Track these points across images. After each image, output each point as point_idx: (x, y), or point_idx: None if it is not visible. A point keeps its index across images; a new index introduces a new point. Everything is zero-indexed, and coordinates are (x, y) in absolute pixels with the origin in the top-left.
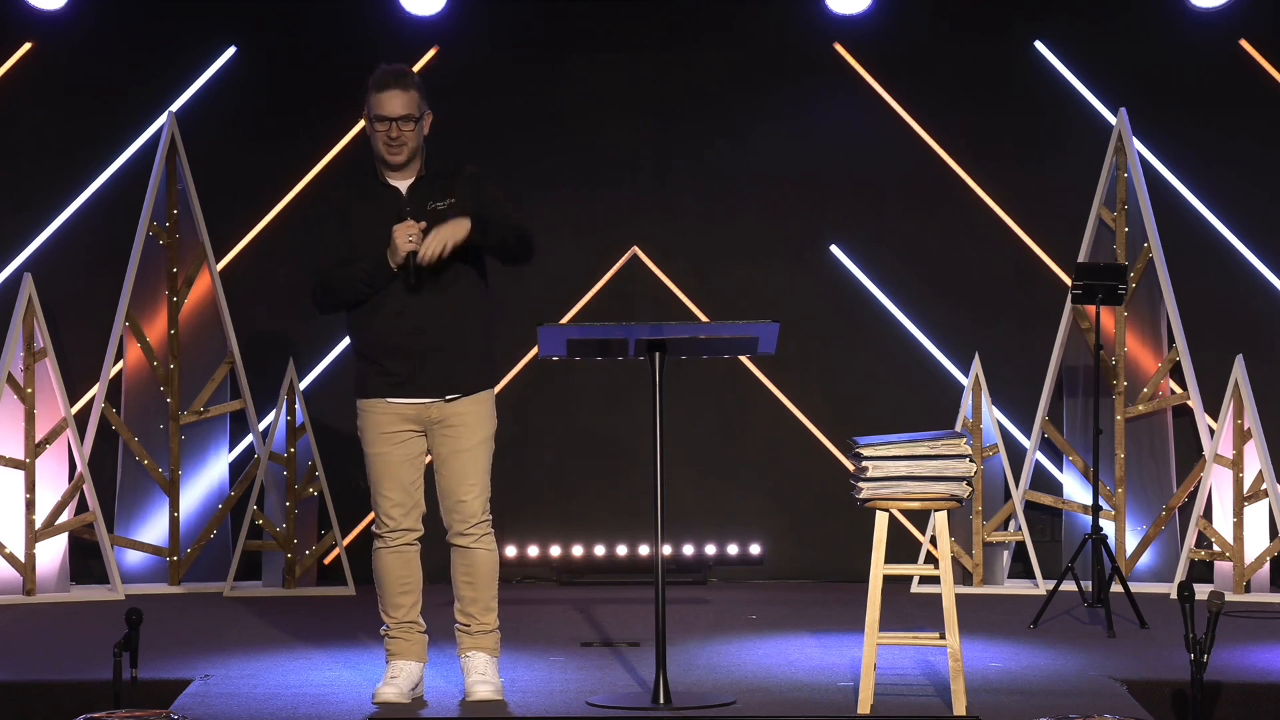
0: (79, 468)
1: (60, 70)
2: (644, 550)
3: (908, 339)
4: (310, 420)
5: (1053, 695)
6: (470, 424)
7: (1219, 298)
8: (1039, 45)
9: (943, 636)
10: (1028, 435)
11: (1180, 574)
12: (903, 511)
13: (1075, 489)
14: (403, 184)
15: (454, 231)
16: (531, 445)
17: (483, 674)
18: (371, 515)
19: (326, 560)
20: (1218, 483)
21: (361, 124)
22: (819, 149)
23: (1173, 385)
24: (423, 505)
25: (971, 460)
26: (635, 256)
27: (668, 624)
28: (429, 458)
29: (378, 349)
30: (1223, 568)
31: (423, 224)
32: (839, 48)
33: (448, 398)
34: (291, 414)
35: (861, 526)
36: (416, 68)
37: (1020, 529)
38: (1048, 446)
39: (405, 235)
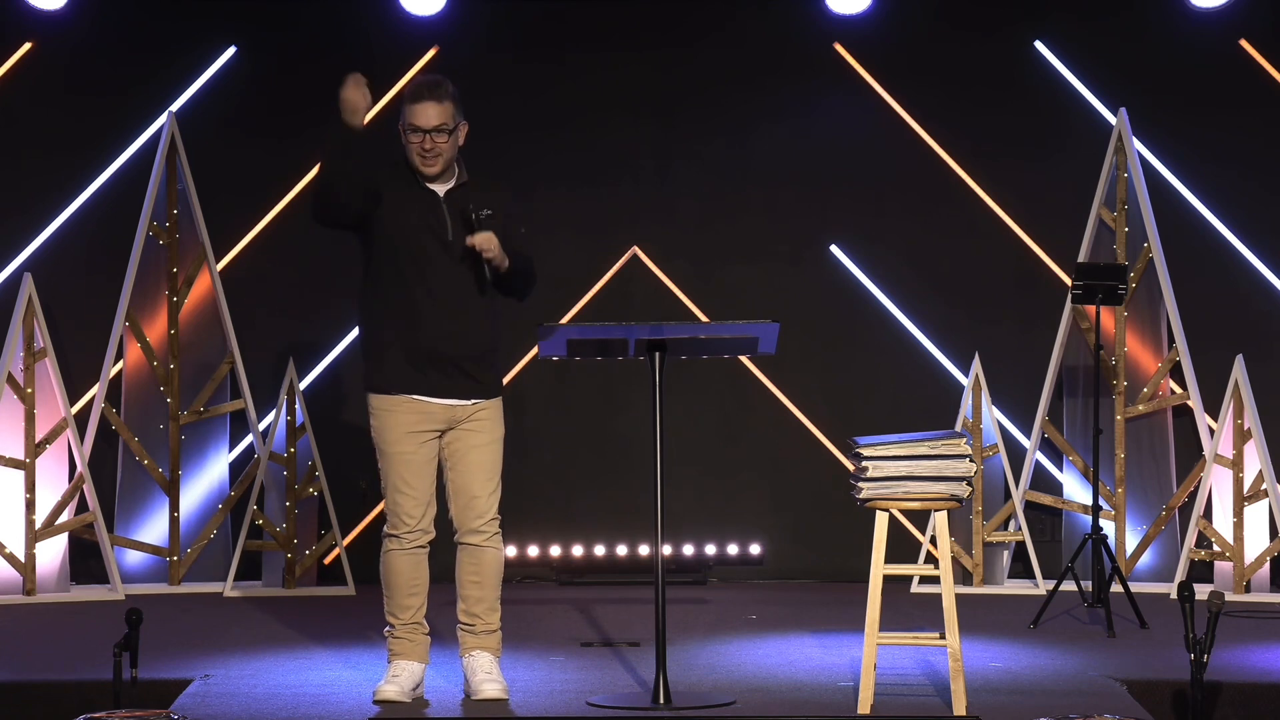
0: (79, 468)
1: (60, 70)
2: (644, 550)
3: (908, 339)
4: (310, 420)
5: (1053, 695)
6: (487, 424)
7: (1219, 298)
8: (1039, 45)
9: (943, 636)
10: (1028, 435)
11: (1180, 574)
12: (903, 511)
13: (1075, 489)
14: (440, 189)
15: (504, 259)
16: (531, 445)
17: (489, 672)
18: (373, 514)
19: (326, 560)
20: (1218, 483)
21: (363, 123)
22: (819, 149)
23: (1173, 385)
24: (435, 507)
25: (971, 460)
26: (635, 256)
27: (668, 624)
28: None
29: (408, 349)
30: (1223, 568)
31: (493, 235)
32: (839, 48)
33: (472, 401)
34: (291, 414)
35: (861, 526)
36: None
37: (1020, 529)
38: (1048, 446)
39: (484, 247)
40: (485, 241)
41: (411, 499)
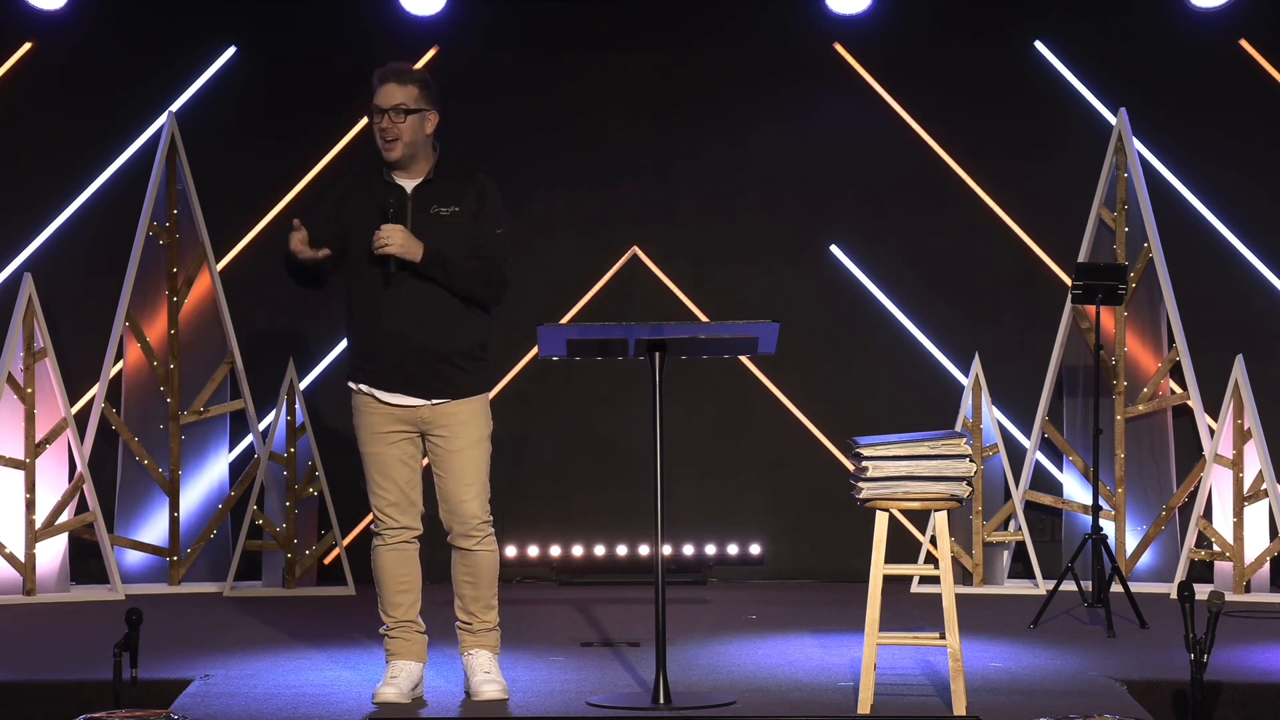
0: (79, 468)
1: (60, 70)
2: (644, 550)
3: (908, 339)
4: (310, 420)
5: (1053, 695)
6: (464, 424)
7: (1219, 298)
8: (1039, 45)
9: (943, 636)
10: (1028, 435)
11: (1180, 574)
12: (903, 511)
13: (1075, 489)
14: (408, 184)
15: (407, 248)
16: (531, 445)
17: (488, 672)
18: (371, 514)
19: (326, 560)
20: (1218, 483)
21: (362, 123)
22: (819, 149)
23: (1173, 385)
24: (420, 505)
25: (971, 460)
26: (635, 256)
27: (668, 624)
28: (425, 460)
29: (367, 346)
30: (1223, 568)
31: (400, 227)
32: (839, 48)
33: (433, 401)
34: (291, 414)
35: (861, 526)
36: (416, 68)
37: (1020, 529)
38: (1048, 446)
39: (382, 239)
40: (384, 234)
41: (385, 499)
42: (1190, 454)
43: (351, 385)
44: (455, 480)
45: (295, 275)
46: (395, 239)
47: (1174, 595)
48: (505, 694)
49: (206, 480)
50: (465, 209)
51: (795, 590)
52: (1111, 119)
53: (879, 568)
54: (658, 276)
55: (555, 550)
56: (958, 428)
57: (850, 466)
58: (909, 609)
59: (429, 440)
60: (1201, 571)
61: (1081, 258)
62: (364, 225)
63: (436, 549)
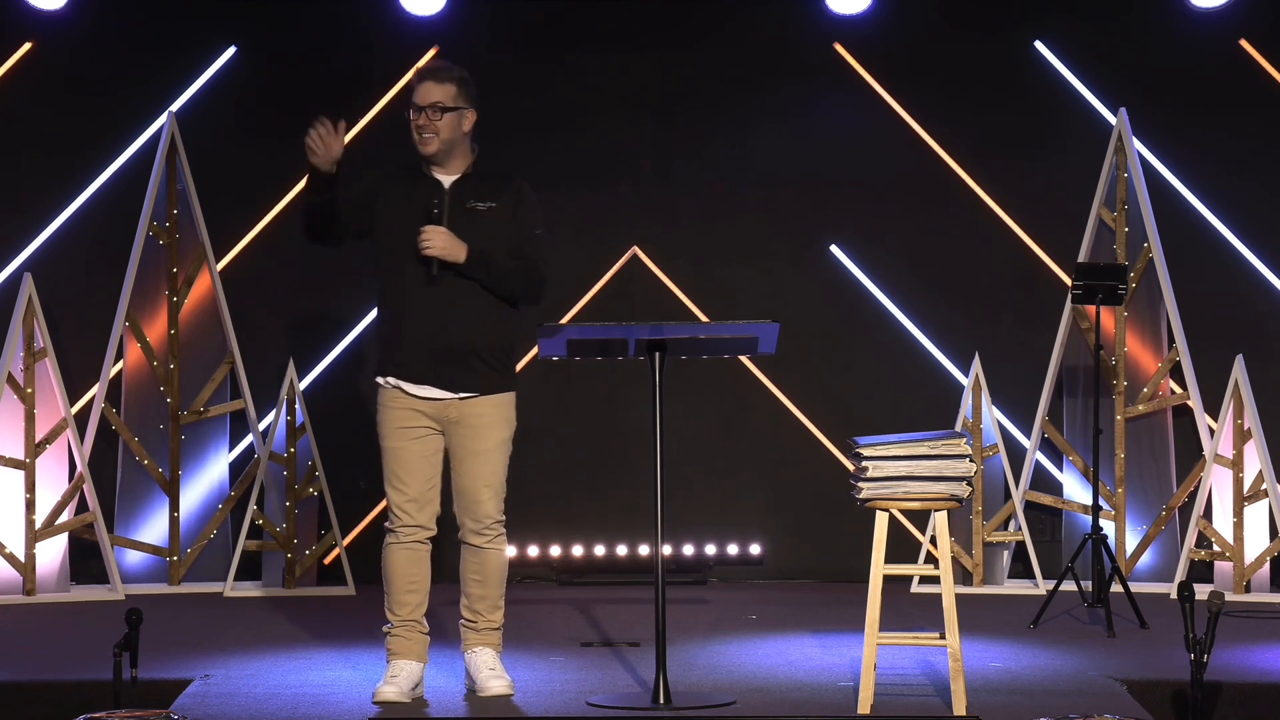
0: (79, 468)
1: (60, 70)
2: (644, 550)
3: (908, 339)
4: (310, 420)
5: (1053, 695)
6: (489, 425)
7: (1219, 298)
8: (1039, 45)
9: (943, 636)
10: (1028, 435)
11: (1180, 574)
12: (903, 511)
13: (1075, 489)
14: (446, 180)
15: (451, 250)
16: (531, 445)
17: (493, 669)
18: (373, 514)
19: (326, 560)
20: (1218, 483)
21: (363, 122)
22: (819, 149)
23: (1173, 385)
24: (437, 505)
25: (971, 460)
26: (635, 256)
27: (668, 624)
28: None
29: (397, 340)
30: (1223, 568)
31: (443, 229)
32: (839, 48)
33: (462, 395)
34: (291, 414)
35: (861, 526)
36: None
37: (1020, 529)
38: (1048, 446)
39: (425, 241)
40: (427, 235)
41: (404, 495)
42: (1190, 454)
43: (379, 380)
44: (475, 480)
45: (310, 208)
46: (437, 241)
47: (1174, 595)
48: (511, 689)
49: (206, 480)
50: (502, 206)
51: (795, 590)
52: (1111, 119)
53: (879, 568)
54: (658, 276)
55: (555, 550)
56: (958, 428)
57: (850, 466)
58: (909, 609)
59: (452, 438)
60: (1201, 571)
61: (1081, 258)
62: (398, 219)
63: (441, 550)
